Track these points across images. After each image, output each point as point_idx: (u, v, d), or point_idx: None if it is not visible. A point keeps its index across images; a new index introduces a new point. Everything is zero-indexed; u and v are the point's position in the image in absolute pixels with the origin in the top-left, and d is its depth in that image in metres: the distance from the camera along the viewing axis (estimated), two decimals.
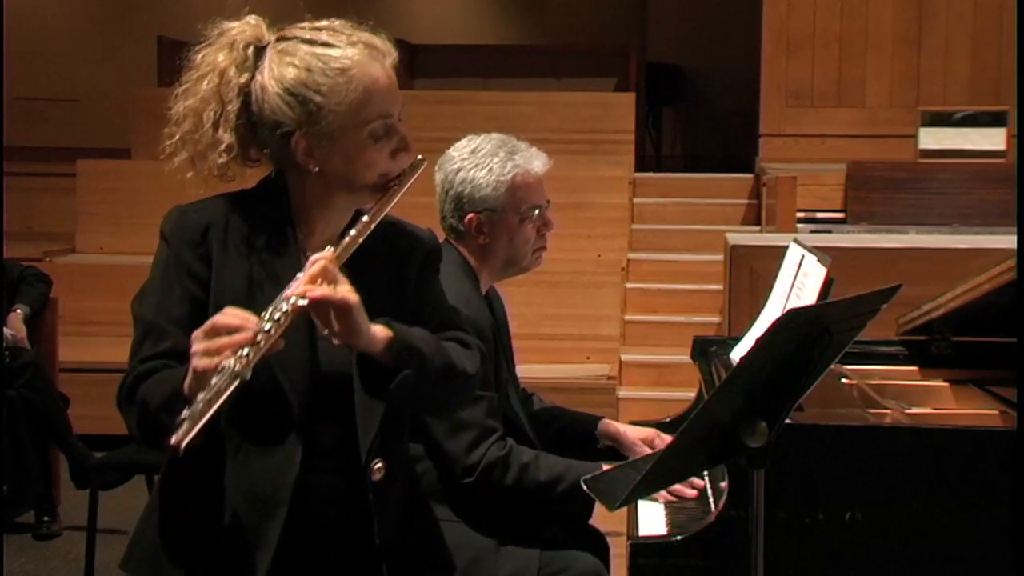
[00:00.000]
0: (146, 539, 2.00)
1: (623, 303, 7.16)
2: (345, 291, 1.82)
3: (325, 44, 1.95)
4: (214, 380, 1.70)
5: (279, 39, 1.99)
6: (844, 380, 2.95)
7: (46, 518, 5.08)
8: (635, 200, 8.28)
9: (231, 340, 1.73)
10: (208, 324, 1.76)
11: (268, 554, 1.91)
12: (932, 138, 7.66)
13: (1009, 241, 5.21)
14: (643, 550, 2.37)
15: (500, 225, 2.73)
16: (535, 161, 2.78)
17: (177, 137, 1.99)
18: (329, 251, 1.86)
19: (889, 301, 1.98)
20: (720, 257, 6.48)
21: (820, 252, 2.79)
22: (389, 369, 1.89)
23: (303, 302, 1.78)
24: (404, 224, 2.13)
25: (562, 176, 7.77)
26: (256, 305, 1.85)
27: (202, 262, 1.94)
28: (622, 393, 6.51)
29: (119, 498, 4.54)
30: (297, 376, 1.93)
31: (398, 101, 2.00)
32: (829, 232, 7.15)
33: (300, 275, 1.83)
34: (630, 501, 2.23)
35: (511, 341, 2.95)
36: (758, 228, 7.84)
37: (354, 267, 1.92)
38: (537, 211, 2.76)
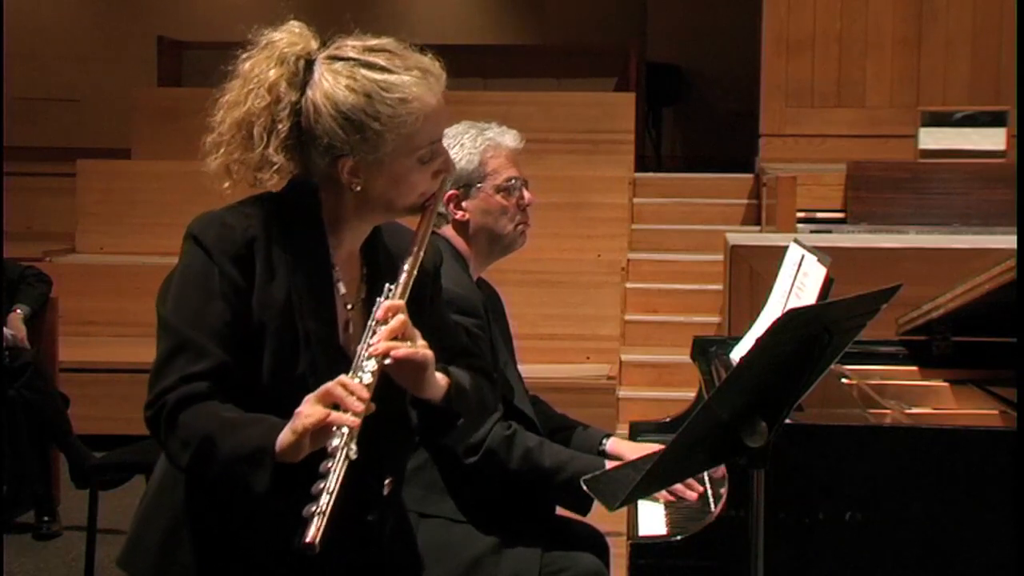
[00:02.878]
0: (149, 539, 1.99)
1: (623, 303, 7.16)
2: (423, 347, 1.88)
3: (384, 70, 1.93)
4: (330, 468, 1.72)
5: (331, 57, 1.97)
6: (844, 380, 2.95)
7: (46, 518, 5.07)
8: (635, 200, 8.28)
9: (343, 420, 1.75)
10: (318, 393, 1.77)
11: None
12: (932, 138, 7.65)
13: (1009, 241, 5.21)
14: (643, 550, 2.37)
15: (476, 198, 2.75)
16: (507, 136, 2.80)
17: (217, 141, 1.96)
18: (398, 301, 1.89)
19: (889, 301, 1.98)
20: (720, 257, 6.49)
21: (820, 252, 2.79)
22: (439, 409, 1.97)
23: (388, 361, 1.83)
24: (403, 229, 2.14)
25: (562, 176, 7.83)
26: (293, 321, 1.90)
27: (246, 277, 1.91)
28: (622, 393, 6.51)
29: (119, 498, 4.54)
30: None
31: (446, 122, 2.03)
32: (829, 232, 7.15)
33: (372, 323, 1.86)
34: (630, 501, 2.23)
35: (511, 335, 2.95)
36: (758, 228, 7.84)
37: (375, 276, 1.97)
38: (513, 182, 2.77)
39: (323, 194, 1.99)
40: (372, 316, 1.89)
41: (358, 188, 1.94)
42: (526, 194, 2.81)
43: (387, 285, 1.92)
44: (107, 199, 8.03)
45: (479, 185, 2.74)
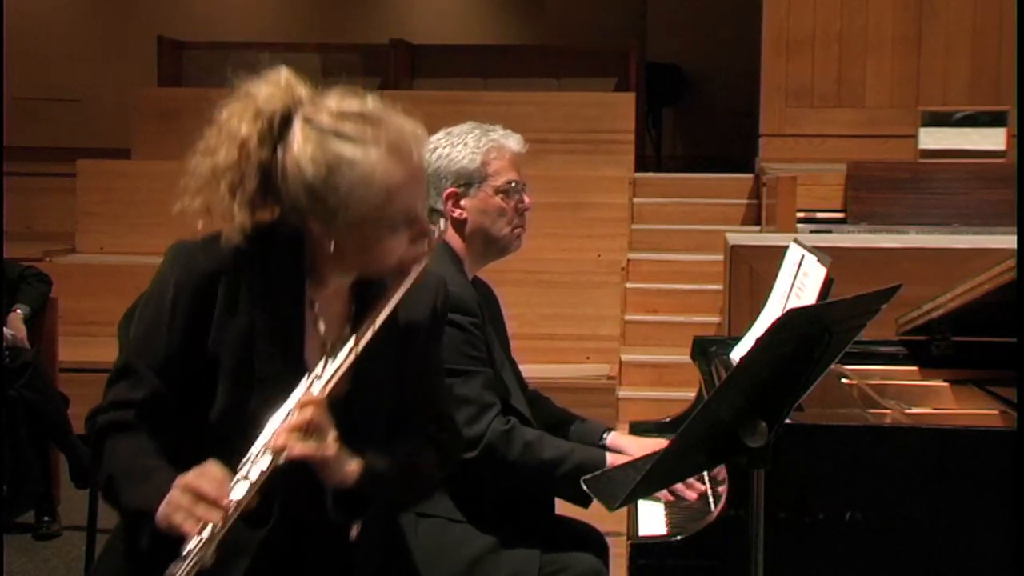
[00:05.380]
0: (110, 561, 1.99)
1: (623, 303, 7.16)
2: (327, 446, 1.84)
3: (351, 141, 1.88)
4: (191, 550, 1.70)
5: (307, 119, 1.90)
6: (844, 380, 2.95)
7: (46, 518, 5.07)
8: (635, 200, 8.28)
9: (207, 515, 1.72)
10: (190, 483, 1.75)
11: None
12: (932, 138, 7.65)
13: (1009, 241, 5.21)
14: (643, 550, 2.37)
15: (475, 197, 2.75)
16: (510, 139, 2.80)
17: (192, 185, 1.94)
18: (318, 393, 1.84)
19: (889, 301, 1.98)
20: (720, 257, 6.49)
21: (820, 252, 2.79)
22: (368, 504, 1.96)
23: (283, 460, 1.80)
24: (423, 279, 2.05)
25: (562, 176, 7.83)
26: (251, 359, 1.88)
27: (204, 312, 1.91)
28: (622, 393, 6.51)
29: None
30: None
31: (423, 193, 1.96)
32: (829, 232, 7.15)
33: (289, 407, 1.83)
34: (630, 501, 2.23)
35: (507, 334, 2.95)
36: (758, 228, 7.84)
37: (363, 317, 1.93)
38: (513, 185, 2.77)
39: (306, 235, 1.95)
40: (293, 403, 1.85)
41: (331, 247, 1.91)
42: (526, 198, 2.81)
43: (353, 337, 1.88)
44: (107, 199, 8.03)
45: (479, 185, 2.74)
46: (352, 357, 1.88)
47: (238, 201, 1.89)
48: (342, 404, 1.92)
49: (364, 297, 1.99)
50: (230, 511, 1.74)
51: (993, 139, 7.60)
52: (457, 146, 2.74)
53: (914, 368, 3.21)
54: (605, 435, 2.95)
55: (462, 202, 2.75)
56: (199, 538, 1.71)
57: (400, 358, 2.03)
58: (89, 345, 6.38)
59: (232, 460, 1.84)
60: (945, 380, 3.07)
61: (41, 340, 5.28)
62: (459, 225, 2.77)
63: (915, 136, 7.68)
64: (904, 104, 8.30)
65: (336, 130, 1.89)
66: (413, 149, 1.93)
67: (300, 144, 1.88)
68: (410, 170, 1.91)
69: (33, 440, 4.98)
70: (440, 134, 2.79)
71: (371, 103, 1.94)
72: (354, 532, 2.00)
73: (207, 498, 1.74)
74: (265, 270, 1.93)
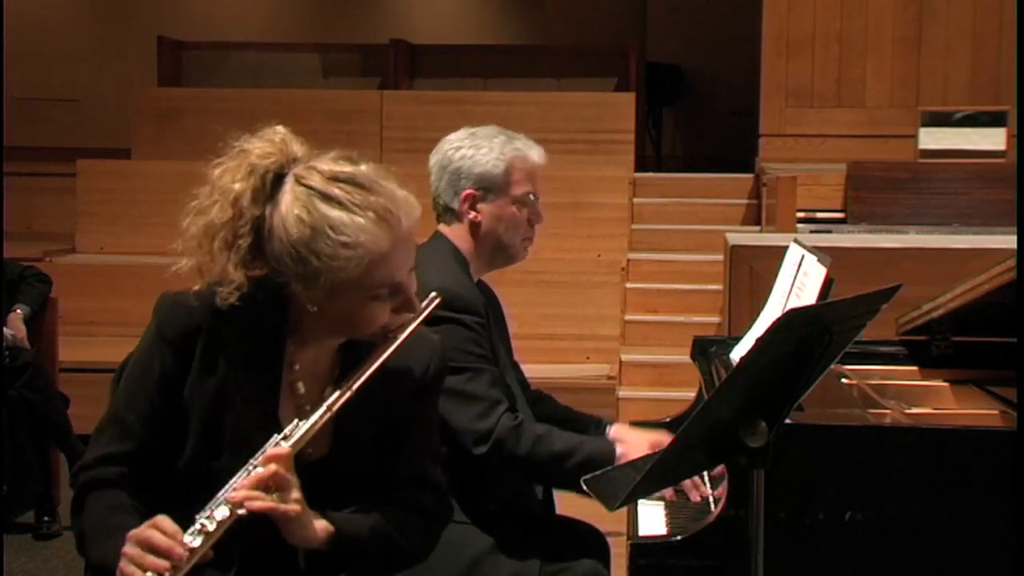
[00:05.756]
0: None
1: (623, 303, 7.16)
2: (290, 503, 1.81)
3: (339, 206, 1.85)
4: None
5: (298, 178, 1.88)
6: (844, 380, 2.95)
7: (46, 518, 5.07)
8: (635, 200, 8.28)
9: (155, 565, 1.73)
10: (140, 535, 1.76)
11: None
12: (932, 138, 7.65)
13: (1009, 241, 5.21)
14: (643, 550, 2.37)
15: (494, 204, 2.75)
16: (533, 151, 2.80)
17: (185, 248, 1.93)
18: (285, 448, 1.82)
19: (889, 301, 1.98)
20: (720, 257, 6.49)
21: (820, 252, 2.79)
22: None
23: (241, 511, 1.78)
24: (417, 339, 2.01)
25: (562, 176, 7.82)
26: (221, 419, 1.87)
27: (180, 368, 1.92)
28: (622, 393, 6.51)
29: None
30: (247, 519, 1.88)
31: (408, 262, 1.92)
32: (829, 232, 7.15)
33: (252, 464, 1.82)
34: (630, 501, 2.23)
35: (509, 337, 2.95)
36: (758, 228, 7.84)
37: (351, 367, 1.91)
38: (531, 198, 2.78)
39: (291, 306, 1.94)
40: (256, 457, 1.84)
41: (313, 310, 1.90)
42: (540, 210, 2.82)
43: (330, 397, 1.87)
44: (107, 199, 8.03)
45: (499, 192, 2.74)
46: (325, 419, 1.86)
47: (232, 261, 1.87)
48: (320, 467, 1.92)
49: (351, 358, 1.96)
50: (182, 561, 1.74)
51: (993, 139, 7.59)
52: (482, 149, 2.74)
53: (914, 368, 3.21)
54: (609, 429, 2.95)
55: (479, 206, 2.74)
56: None
57: (384, 421, 2.00)
58: (89, 345, 6.39)
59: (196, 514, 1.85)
60: (945, 380, 3.07)
61: (41, 340, 5.28)
62: (472, 228, 2.76)
63: (915, 136, 7.68)
64: (904, 104, 8.30)
65: (325, 192, 1.86)
66: (403, 218, 1.89)
67: (288, 204, 1.86)
68: (397, 239, 1.88)
69: (33, 440, 4.98)
70: (463, 133, 2.79)
71: (364, 168, 1.91)
72: None
73: (157, 549, 1.74)
74: (245, 328, 1.92)
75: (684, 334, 4.51)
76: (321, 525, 1.87)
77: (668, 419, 3.31)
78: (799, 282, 2.86)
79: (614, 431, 2.93)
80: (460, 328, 2.59)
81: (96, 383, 6.11)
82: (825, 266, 2.70)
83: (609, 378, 6.52)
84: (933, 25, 8.43)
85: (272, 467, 1.81)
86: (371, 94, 9.01)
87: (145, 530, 1.76)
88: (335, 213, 1.84)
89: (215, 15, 11.48)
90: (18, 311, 5.13)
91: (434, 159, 2.80)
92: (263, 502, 1.79)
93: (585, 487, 2.21)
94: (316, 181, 1.87)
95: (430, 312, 1.97)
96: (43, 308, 5.30)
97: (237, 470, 1.85)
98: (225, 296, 1.89)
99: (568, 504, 2.67)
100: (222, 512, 1.78)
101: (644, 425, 3.32)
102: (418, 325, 1.95)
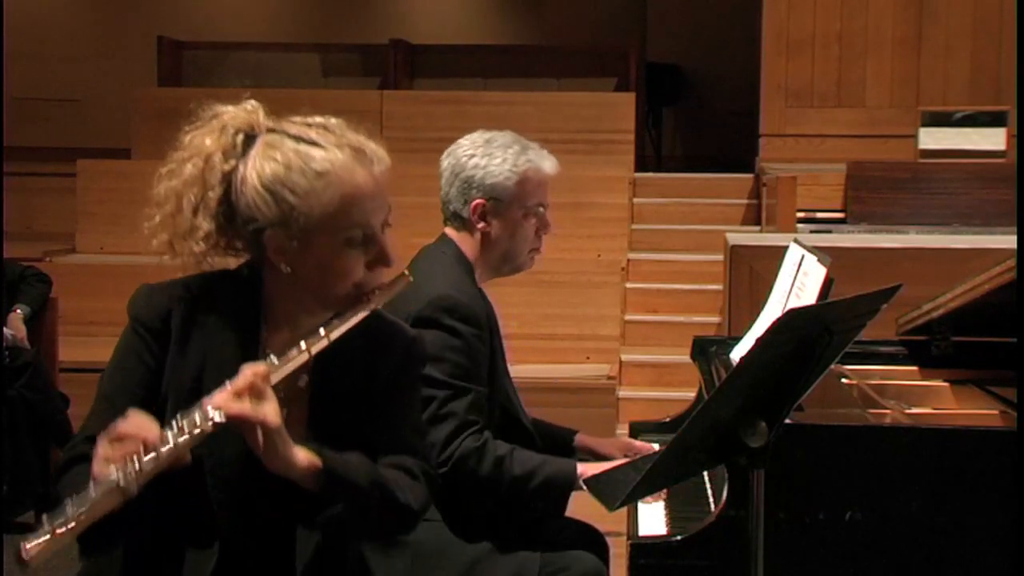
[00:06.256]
0: None
1: (623, 303, 7.16)
2: (267, 411, 1.75)
3: (311, 143, 1.87)
4: (92, 491, 1.66)
5: (270, 131, 1.91)
6: (844, 380, 2.95)
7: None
8: (635, 200, 8.28)
9: (125, 449, 1.68)
10: (109, 431, 1.72)
11: None
12: (932, 138, 7.65)
13: (1009, 241, 5.21)
14: (643, 550, 2.37)
15: (504, 216, 2.74)
16: (546, 161, 2.80)
17: (157, 219, 1.93)
18: (263, 365, 1.79)
19: (889, 301, 1.98)
20: (720, 257, 6.49)
21: (820, 252, 2.79)
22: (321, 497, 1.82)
23: (220, 418, 1.73)
24: (392, 322, 2.02)
25: (562, 176, 7.69)
26: (198, 399, 1.82)
27: (158, 348, 1.90)
28: (622, 393, 6.51)
29: None
30: (227, 481, 1.87)
31: (382, 210, 1.90)
32: (829, 232, 7.15)
33: (228, 384, 1.77)
34: (630, 501, 2.23)
35: (503, 343, 2.95)
36: (758, 228, 7.84)
37: (324, 366, 1.88)
38: (541, 209, 2.78)
39: (265, 273, 1.93)
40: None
41: (287, 269, 1.88)
42: (549, 221, 2.82)
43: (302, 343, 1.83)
44: (107, 199, 8.02)
45: (510, 205, 2.73)
46: (300, 361, 1.82)
47: (202, 214, 1.88)
48: None
49: (324, 348, 1.92)
50: (157, 446, 1.69)
51: (993, 139, 7.60)
52: (496, 159, 2.72)
53: (914, 368, 3.21)
54: (573, 439, 2.96)
55: (489, 217, 2.74)
56: (109, 478, 1.66)
57: (361, 409, 1.96)
58: (89, 345, 6.38)
59: (179, 504, 1.84)
60: (945, 380, 3.07)
61: (41, 340, 5.28)
62: (481, 237, 2.76)
63: (915, 136, 7.68)
64: (904, 104, 8.30)
65: (298, 134, 1.88)
66: (375, 162, 1.89)
67: (261, 150, 1.88)
68: (371, 181, 1.87)
69: (33, 440, 4.98)
70: (479, 138, 2.77)
71: (335, 120, 1.93)
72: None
73: (128, 435, 1.70)
74: (219, 312, 1.91)
75: (684, 334, 4.51)
76: (305, 454, 1.80)
77: (668, 419, 3.31)
78: (799, 282, 2.86)
79: (578, 439, 2.94)
80: (454, 339, 2.58)
81: (96, 383, 6.12)
82: (825, 266, 2.70)
83: (609, 378, 6.52)
84: (933, 25, 8.43)
85: (248, 375, 1.76)
86: (371, 94, 9.01)
87: (114, 426, 1.72)
88: (309, 149, 1.86)
89: (215, 15, 11.48)
90: (18, 311, 5.13)
91: (446, 162, 2.78)
92: (240, 407, 1.73)
93: (585, 487, 2.21)
94: (289, 125, 1.90)
95: (404, 284, 1.94)
96: (43, 308, 5.30)
97: (214, 452, 1.84)
98: (193, 248, 1.89)
99: (568, 504, 2.67)
100: (198, 419, 1.73)
101: (644, 425, 3.34)
102: (393, 290, 1.92)
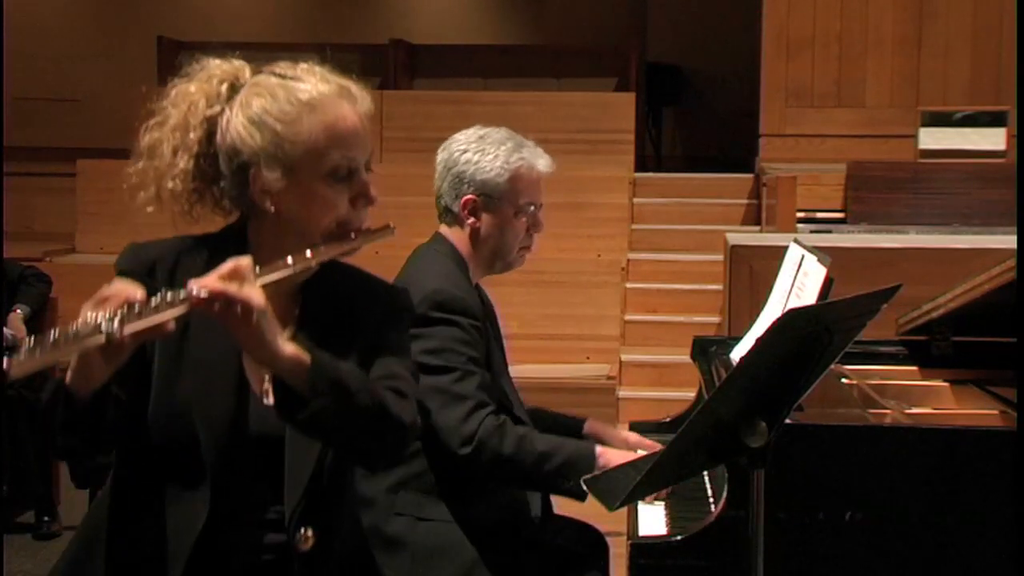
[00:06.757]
0: (59, 569, 1.97)
1: (623, 303, 7.17)
2: (251, 292, 1.70)
3: (296, 79, 1.90)
4: (78, 326, 1.65)
5: (254, 74, 1.94)
6: (844, 380, 2.95)
7: (46, 518, 5.08)
8: (635, 200, 8.29)
9: (108, 306, 1.68)
10: (93, 297, 1.72)
11: None
12: (932, 138, 7.66)
13: (1009, 241, 5.21)
14: (643, 550, 2.37)
15: (495, 213, 2.74)
16: (540, 159, 2.79)
17: (140, 165, 1.95)
18: (248, 258, 1.75)
19: (889, 301, 1.98)
20: (720, 257, 6.49)
21: (820, 252, 2.79)
22: (308, 401, 1.75)
23: (203, 293, 1.68)
24: (376, 277, 2.02)
25: (562, 176, 7.72)
26: (189, 350, 1.84)
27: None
28: (622, 393, 6.51)
29: None
30: (217, 430, 1.85)
31: (365, 149, 1.91)
32: (829, 232, 7.15)
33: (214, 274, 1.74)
34: (630, 501, 2.23)
35: (503, 343, 2.95)
36: (758, 228, 7.84)
37: (310, 317, 1.88)
38: (532, 208, 2.77)
39: (249, 226, 1.94)
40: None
41: (272, 208, 1.88)
42: (541, 219, 2.81)
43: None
44: (107, 199, 8.01)
45: (501, 201, 2.73)
46: (284, 275, 1.79)
47: (180, 154, 1.90)
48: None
49: (312, 300, 1.92)
50: (143, 303, 1.67)
51: (993, 139, 7.60)
52: (488, 155, 2.72)
53: (914, 368, 3.21)
54: (583, 425, 2.96)
55: (480, 213, 2.74)
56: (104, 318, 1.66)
57: (351, 348, 1.92)
58: None
59: (170, 453, 1.83)
60: (945, 380, 3.07)
61: None
62: (472, 233, 2.76)
63: (915, 136, 7.68)
64: (904, 104, 8.30)
65: (283, 73, 1.92)
66: (359, 102, 1.93)
67: (248, 90, 1.91)
68: (355, 117, 1.90)
69: (33, 440, 4.98)
70: (473, 134, 2.77)
71: (319, 67, 1.95)
72: (304, 544, 1.87)
73: (109, 295, 1.71)
74: (204, 265, 1.87)
75: (684, 334, 4.51)
76: (292, 347, 1.74)
77: (668, 419, 3.31)
78: (799, 282, 2.86)
79: (587, 426, 2.94)
80: (454, 329, 2.58)
81: None
82: (825, 266, 2.70)
83: (609, 378, 6.53)
84: (933, 25, 8.43)
85: (232, 263, 1.72)
86: (371, 94, 9.00)
87: (99, 291, 1.72)
88: (293, 82, 1.89)
89: (215, 15, 11.48)
90: (18, 311, 5.14)
91: (440, 156, 2.78)
92: (224, 285, 1.69)
93: (585, 487, 2.21)
94: (274, 68, 1.93)
95: (388, 234, 1.92)
96: (43, 308, 5.31)
97: (200, 397, 1.83)
98: (169, 187, 1.90)
99: (568, 504, 2.67)
100: (183, 293, 1.69)
101: (644, 425, 3.33)
102: (376, 236, 1.90)
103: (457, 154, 2.74)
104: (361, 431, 1.83)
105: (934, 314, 3.00)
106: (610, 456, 2.60)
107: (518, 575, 2.62)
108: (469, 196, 2.72)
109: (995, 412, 2.74)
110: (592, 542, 2.87)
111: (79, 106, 10.49)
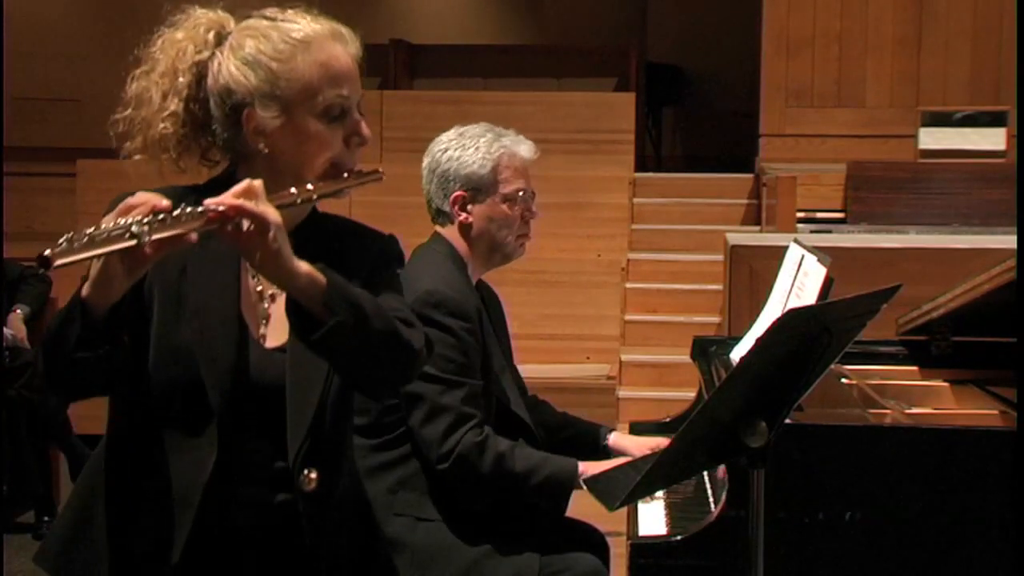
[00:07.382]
0: (57, 532, 1.97)
1: (623, 303, 7.17)
2: (265, 206, 1.70)
3: (287, 20, 1.91)
4: (109, 226, 1.64)
5: (243, 19, 1.94)
6: (844, 380, 2.95)
7: (46, 518, 5.08)
8: (635, 200, 8.28)
9: (138, 203, 1.68)
10: (123, 206, 1.71)
11: (174, 558, 1.82)
12: (932, 138, 7.65)
13: (1009, 241, 5.21)
14: (643, 550, 2.37)
15: (484, 204, 2.74)
16: (522, 146, 2.80)
17: (128, 113, 1.95)
18: (259, 180, 1.73)
19: (889, 301, 1.98)
20: (720, 257, 6.48)
21: (820, 252, 2.79)
22: (323, 324, 1.73)
23: (221, 208, 1.68)
24: (365, 229, 2.02)
25: (562, 176, 7.82)
26: (188, 295, 1.83)
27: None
28: (622, 393, 6.51)
29: None
30: (222, 375, 1.84)
31: (357, 88, 1.92)
32: (829, 232, 7.15)
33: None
34: (630, 501, 2.23)
35: (509, 338, 2.95)
36: (758, 228, 7.84)
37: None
38: (521, 194, 2.77)
39: (239, 172, 1.91)
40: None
41: (265, 150, 1.87)
42: (533, 207, 2.81)
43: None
44: (107, 199, 7.93)
45: (488, 192, 2.74)
46: (284, 201, 1.78)
47: (169, 98, 1.90)
48: (282, 357, 1.87)
49: (304, 246, 1.86)
50: (168, 210, 1.67)
51: (993, 139, 7.60)
52: (468, 149, 2.73)
53: (914, 368, 3.21)
54: (608, 436, 2.95)
55: (469, 207, 2.74)
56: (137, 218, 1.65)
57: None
58: None
59: (171, 399, 1.83)
60: (945, 380, 3.08)
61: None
62: (464, 229, 2.76)
63: (915, 136, 7.68)
64: (904, 104, 8.30)
65: (273, 15, 1.92)
66: (350, 43, 1.93)
67: (238, 33, 1.90)
68: (347, 57, 1.91)
69: (33, 440, 4.99)
70: (452, 134, 2.79)
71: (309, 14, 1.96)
72: (308, 485, 1.87)
73: (134, 203, 1.70)
74: (200, 203, 1.84)
75: (684, 334, 4.51)
76: (307, 266, 1.73)
77: (668, 419, 3.31)
78: (799, 282, 2.86)
79: (613, 439, 2.93)
80: (445, 335, 2.58)
81: None
82: (825, 266, 2.70)
83: (609, 378, 6.53)
84: (933, 25, 8.43)
85: (247, 182, 1.72)
86: (371, 94, 9.00)
87: (122, 204, 1.71)
88: (285, 23, 1.90)
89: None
90: (18, 311, 5.14)
91: (425, 161, 2.80)
92: (240, 202, 1.68)
93: (585, 487, 2.21)
94: (263, 12, 1.93)
95: (377, 179, 1.92)
96: (43, 308, 5.31)
97: (209, 344, 1.83)
98: (159, 131, 1.90)
99: (568, 503, 2.67)
100: (201, 208, 1.69)
101: (644, 425, 3.33)
102: (367, 179, 1.90)
103: (439, 155, 2.75)
104: (373, 354, 1.81)
105: (934, 314, 3.00)
106: (591, 472, 2.59)
107: (520, 571, 2.62)
108: (457, 192, 2.73)
109: (995, 412, 2.74)
110: (592, 542, 2.86)
111: (79, 106, 10.49)
